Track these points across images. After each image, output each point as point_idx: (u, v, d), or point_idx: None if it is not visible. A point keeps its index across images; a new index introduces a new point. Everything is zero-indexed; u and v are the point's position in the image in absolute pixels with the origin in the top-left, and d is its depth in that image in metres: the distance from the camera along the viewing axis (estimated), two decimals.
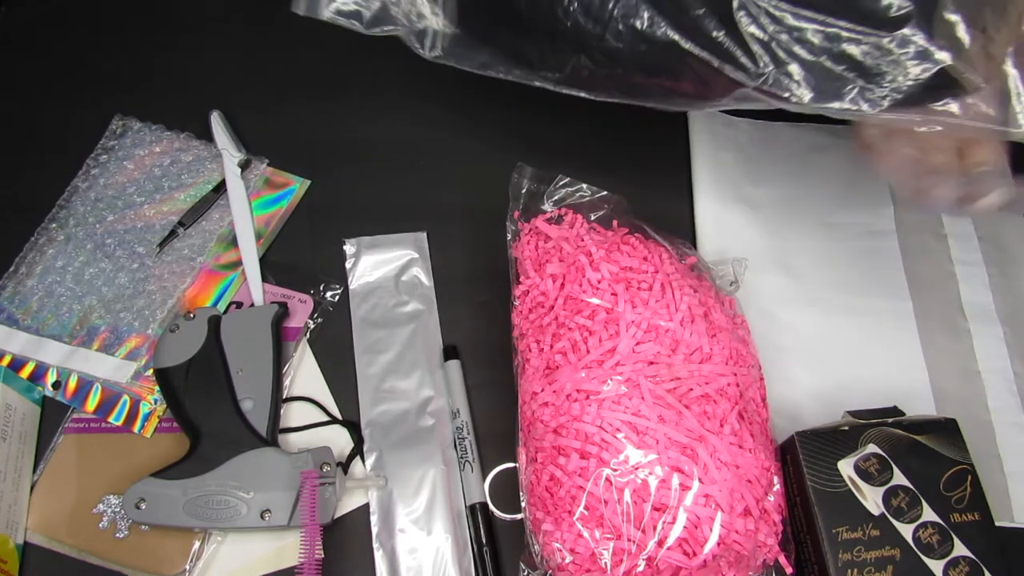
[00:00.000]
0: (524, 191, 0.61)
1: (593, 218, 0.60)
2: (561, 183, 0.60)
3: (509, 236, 0.60)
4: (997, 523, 0.51)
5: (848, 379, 0.62)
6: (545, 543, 0.49)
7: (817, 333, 0.63)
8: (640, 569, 0.48)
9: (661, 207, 0.69)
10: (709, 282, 0.57)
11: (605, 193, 0.60)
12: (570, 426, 0.50)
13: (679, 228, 0.68)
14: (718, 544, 0.47)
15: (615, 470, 0.48)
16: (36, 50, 0.76)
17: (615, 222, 0.59)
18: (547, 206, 0.60)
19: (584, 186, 0.60)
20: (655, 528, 0.47)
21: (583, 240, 0.56)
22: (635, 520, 0.47)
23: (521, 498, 0.53)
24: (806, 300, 0.65)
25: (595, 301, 0.53)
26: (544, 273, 0.56)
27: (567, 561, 0.49)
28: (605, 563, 0.48)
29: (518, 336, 0.56)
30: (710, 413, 0.50)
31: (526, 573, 0.52)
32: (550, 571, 0.50)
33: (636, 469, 0.48)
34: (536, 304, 0.56)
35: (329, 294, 0.65)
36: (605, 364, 0.51)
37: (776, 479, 0.52)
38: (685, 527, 0.47)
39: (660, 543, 0.47)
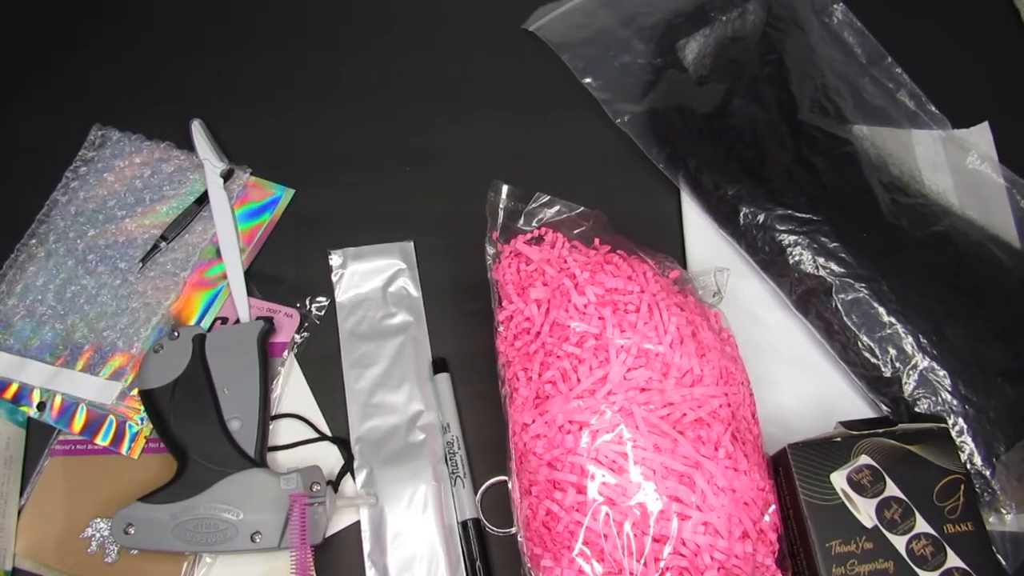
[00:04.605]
0: (501, 210, 0.58)
1: (574, 234, 0.57)
2: (540, 201, 0.58)
3: (489, 258, 0.57)
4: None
5: (840, 384, 0.61)
6: None
7: (808, 338, 0.62)
8: None
9: (650, 211, 0.67)
10: (694, 297, 0.55)
11: (584, 209, 0.58)
12: (564, 459, 0.48)
13: (668, 231, 0.66)
14: (718, 570, 0.46)
15: (613, 503, 0.46)
16: (11, 59, 0.73)
17: (597, 240, 0.57)
18: (526, 225, 0.58)
19: (562, 203, 0.58)
20: (656, 560, 0.46)
21: (566, 262, 0.54)
22: (636, 553, 0.46)
23: (516, 530, 0.51)
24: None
25: (582, 327, 0.50)
26: (528, 298, 0.53)
27: None
28: None
29: (504, 364, 0.54)
30: (704, 437, 0.48)
31: None
32: None
33: (634, 501, 0.46)
34: (521, 330, 0.53)
35: (315, 307, 0.62)
36: (597, 393, 0.48)
37: (772, 498, 0.50)
38: (685, 556, 0.46)
39: (662, 575, 0.45)
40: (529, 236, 0.57)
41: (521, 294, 0.54)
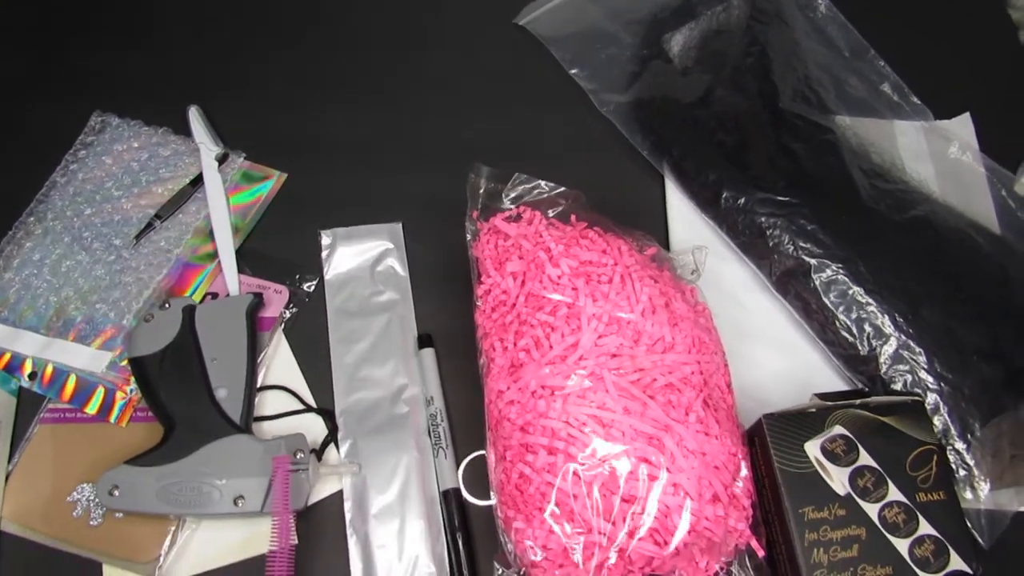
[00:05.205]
0: (482, 191, 0.60)
1: (552, 214, 0.59)
2: (518, 181, 0.60)
3: (469, 236, 0.59)
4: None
5: (819, 363, 0.61)
6: (517, 541, 0.48)
7: (788, 318, 0.63)
8: (612, 561, 0.47)
9: (634, 197, 0.68)
10: (669, 272, 0.56)
11: (563, 189, 0.59)
12: (536, 423, 0.49)
13: (651, 216, 0.68)
14: (689, 532, 0.46)
15: (583, 464, 0.47)
16: (15, 47, 0.75)
17: (573, 217, 0.58)
18: (506, 204, 0.59)
19: (542, 183, 0.59)
20: (625, 520, 0.46)
21: (542, 236, 0.55)
22: (605, 513, 0.46)
23: (492, 497, 0.52)
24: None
25: (556, 297, 0.52)
26: (504, 271, 0.54)
27: (539, 558, 0.48)
28: (577, 558, 0.47)
29: (482, 336, 0.55)
30: (675, 402, 0.49)
31: (500, 572, 0.51)
32: (523, 568, 0.49)
33: (604, 462, 0.47)
34: (498, 303, 0.55)
35: (305, 285, 0.64)
36: (568, 359, 0.49)
37: (744, 464, 0.51)
38: (655, 517, 0.46)
39: (631, 534, 0.46)
40: (507, 214, 0.59)
41: (498, 268, 0.56)
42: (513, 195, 0.59)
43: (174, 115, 0.70)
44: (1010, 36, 0.77)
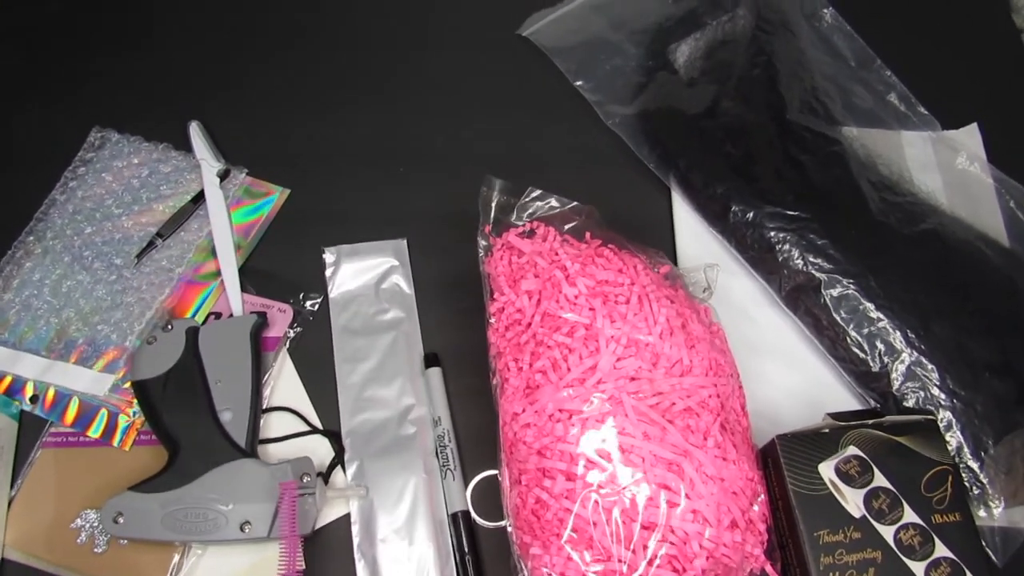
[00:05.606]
0: (494, 204, 0.59)
1: (566, 229, 0.58)
2: (532, 196, 0.58)
3: (481, 252, 0.58)
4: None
5: (830, 380, 0.61)
6: (534, 568, 0.47)
7: (798, 334, 0.62)
8: None
9: (641, 211, 0.68)
10: (684, 291, 0.55)
11: (576, 204, 0.58)
12: (554, 447, 0.48)
13: (659, 230, 0.67)
14: (707, 558, 0.46)
15: (602, 490, 0.46)
16: (12, 63, 0.74)
17: (588, 233, 0.57)
18: (518, 219, 0.58)
19: (554, 198, 0.58)
20: (645, 547, 0.45)
21: (557, 254, 0.54)
22: (624, 540, 0.46)
23: (506, 521, 0.51)
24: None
25: (572, 317, 0.51)
26: (519, 290, 0.53)
27: None
28: None
29: (495, 355, 0.54)
30: (693, 427, 0.48)
31: None
32: None
33: (623, 488, 0.46)
34: (512, 321, 0.54)
35: (309, 303, 0.63)
36: (587, 382, 0.48)
37: (760, 488, 0.50)
38: (674, 544, 0.46)
39: (650, 562, 0.45)
40: (521, 230, 0.58)
41: (513, 286, 0.55)
42: (529, 211, 0.58)
43: (174, 130, 0.69)
44: (1016, 43, 0.76)
